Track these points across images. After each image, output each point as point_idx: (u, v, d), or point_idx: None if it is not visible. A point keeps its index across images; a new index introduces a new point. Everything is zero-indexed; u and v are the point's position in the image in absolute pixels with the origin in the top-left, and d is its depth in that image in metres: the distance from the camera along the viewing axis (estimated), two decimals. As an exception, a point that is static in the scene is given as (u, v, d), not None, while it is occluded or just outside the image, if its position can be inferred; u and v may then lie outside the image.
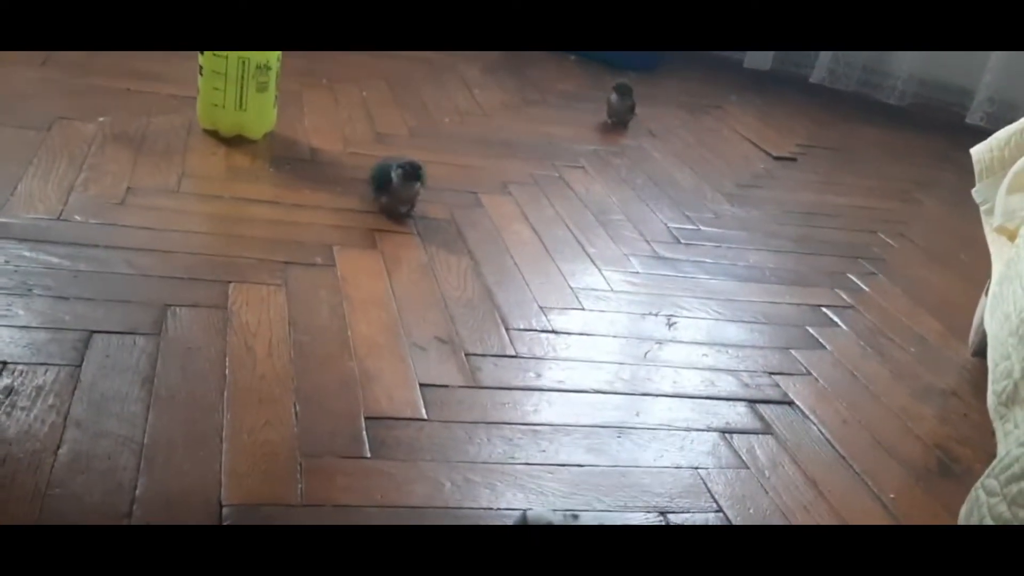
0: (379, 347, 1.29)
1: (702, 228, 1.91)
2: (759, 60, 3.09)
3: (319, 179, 1.77)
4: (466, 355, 1.31)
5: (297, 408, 1.13)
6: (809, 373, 1.45)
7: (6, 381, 1.07)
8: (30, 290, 1.24)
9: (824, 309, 1.67)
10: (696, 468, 1.18)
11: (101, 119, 1.80)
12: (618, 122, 2.38)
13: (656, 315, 1.54)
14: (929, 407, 1.42)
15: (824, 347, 1.54)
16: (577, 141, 2.26)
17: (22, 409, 1.03)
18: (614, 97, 2.35)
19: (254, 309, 1.31)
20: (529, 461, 1.13)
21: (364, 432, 1.11)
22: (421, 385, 1.22)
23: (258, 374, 1.18)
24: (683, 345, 1.47)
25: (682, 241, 1.83)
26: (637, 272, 1.67)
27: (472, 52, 2.67)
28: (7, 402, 1.03)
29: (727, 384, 1.38)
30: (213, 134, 1.84)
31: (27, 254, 1.32)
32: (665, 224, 1.89)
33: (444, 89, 2.41)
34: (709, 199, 2.07)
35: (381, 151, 1.92)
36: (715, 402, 1.33)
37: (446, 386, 1.24)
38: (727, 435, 1.26)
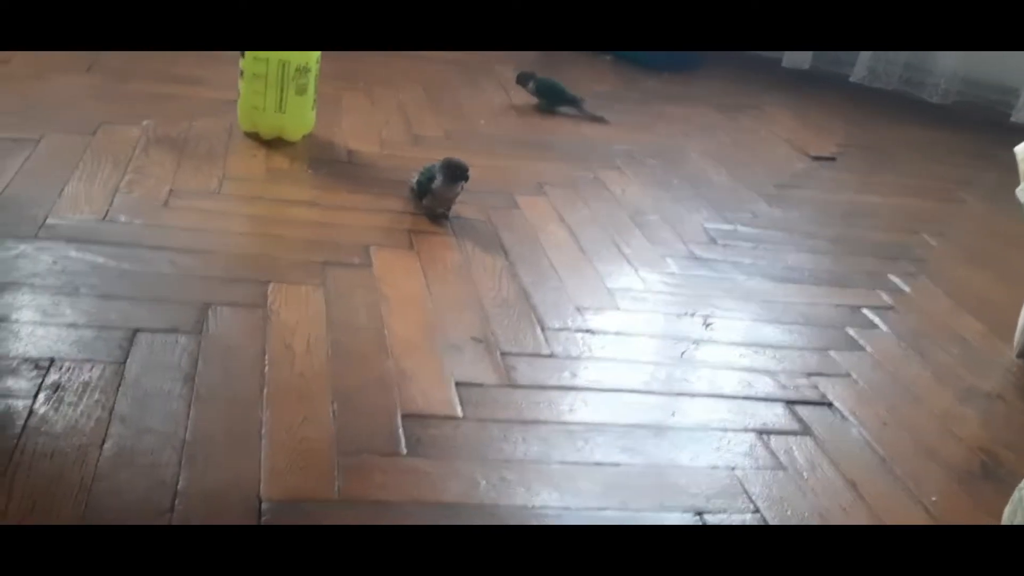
0: (415, 346, 1.30)
1: (739, 228, 1.90)
2: (797, 60, 3.05)
3: (356, 180, 1.79)
4: (501, 354, 1.32)
5: (335, 406, 1.14)
6: (848, 375, 1.43)
7: (54, 377, 1.09)
8: (77, 289, 1.27)
9: (864, 310, 1.64)
10: (733, 469, 1.18)
11: (144, 123, 1.84)
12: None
13: (692, 315, 1.53)
14: (972, 409, 1.40)
15: (864, 349, 1.51)
16: (612, 141, 2.26)
17: (69, 405, 1.06)
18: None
19: (293, 308, 1.33)
20: (564, 460, 1.13)
21: (400, 430, 1.12)
22: (457, 384, 1.23)
23: (297, 372, 1.20)
24: (720, 346, 1.46)
25: (719, 241, 1.82)
26: (673, 272, 1.66)
27: (507, 54, 2.68)
28: (55, 397, 1.06)
29: (764, 385, 1.37)
30: (253, 136, 1.87)
31: (74, 254, 1.35)
32: (701, 224, 1.88)
33: (479, 91, 2.42)
34: (746, 199, 2.05)
35: (417, 153, 1.94)
36: (752, 403, 1.32)
37: (481, 385, 1.24)
38: (764, 436, 1.25)
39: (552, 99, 2.38)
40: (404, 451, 1.09)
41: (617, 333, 1.44)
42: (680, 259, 1.72)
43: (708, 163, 2.23)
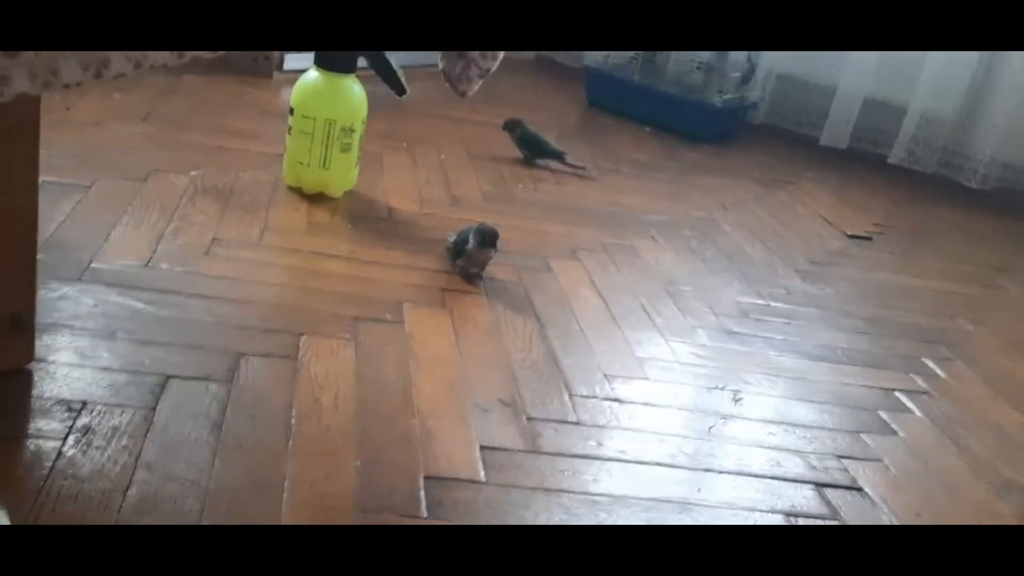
0: (442, 406, 1.30)
1: (772, 304, 1.89)
2: (835, 138, 3.07)
3: (394, 238, 1.82)
4: (528, 419, 1.31)
5: (358, 463, 1.14)
6: (880, 460, 1.40)
7: (85, 420, 1.11)
8: (114, 333, 1.30)
9: (898, 394, 1.62)
10: (758, 551, 1.15)
11: (193, 172, 1.90)
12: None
13: (722, 389, 1.52)
14: (1008, 505, 1.36)
15: (896, 433, 1.49)
16: (648, 211, 2.27)
17: (97, 448, 1.07)
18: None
19: (323, 361, 1.34)
20: (586, 531, 1.12)
21: (422, 491, 1.12)
22: (481, 447, 1.23)
23: (323, 426, 1.20)
24: (749, 422, 1.44)
25: (751, 316, 1.81)
26: (704, 344, 1.66)
27: (551, 120, 2.73)
28: (84, 440, 1.08)
29: (793, 465, 1.34)
30: (296, 191, 1.91)
31: (115, 298, 1.38)
32: (734, 298, 1.88)
33: (519, 155, 2.45)
34: (780, 275, 2.05)
35: (455, 213, 1.97)
36: (780, 483, 1.30)
37: (506, 449, 1.24)
38: (792, 518, 1.22)
39: (534, 151, 2.42)
40: (424, 513, 1.09)
41: (645, 403, 1.43)
42: (712, 331, 1.71)
43: (743, 236, 2.23)
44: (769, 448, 1.38)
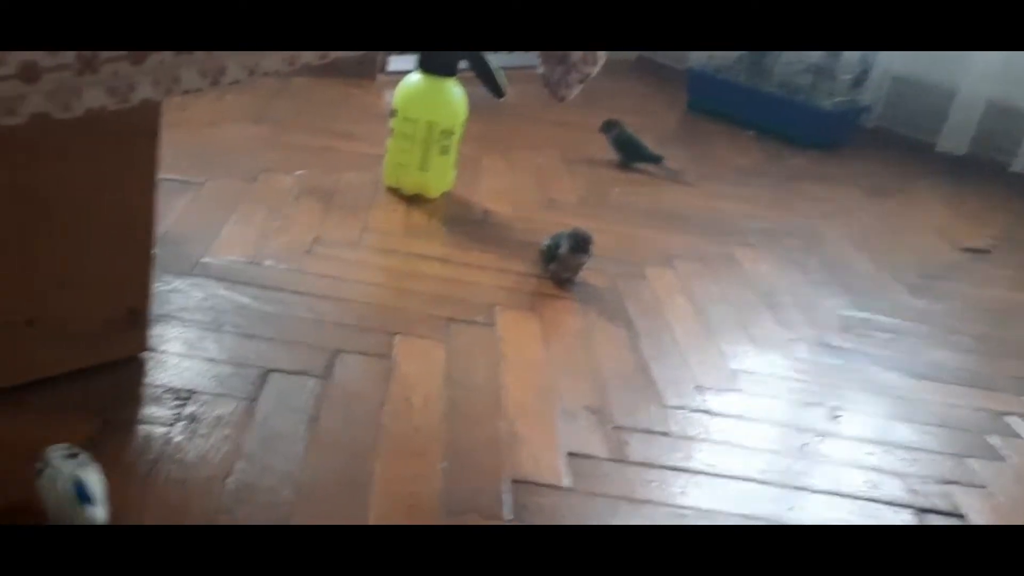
0: (530, 410, 1.31)
1: (877, 318, 1.81)
2: (953, 143, 2.92)
3: (488, 240, 1.84)
4: (615, 427, 1.31)
5: (445, 463, 1.16)
6: (985, 487, 1.33)
7: (191, 409, 1.17)
8: (221, 326, 1.36)
9: (1007, 418, 1.53)
10: (850, 576, 1.11)
11: (299, 173, 1.97)
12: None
13: (819, 406, 1.47)
14: None
15: (1005, 459, 1.41)
16: (748, 218, 2.22)
17: (201, 436, 1.12)
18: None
19: (415, 362, 1.37)
20: (670, 545, 1.10)
21: (507, 495, 1.13)
22: (568, 454, 1.23)
23: (412, 426, 1.23)
24: (846, 441, 1.39)
25: (854, 330, 1.75)
26: (802, 359, 1.61)
27: (649, 124, 2.70)
28: (190, 428, 1.13)
29: (892, 488, 1.29)
30: (395, 192, 1.96)
31: (222, 293, 1.45)
32: (836, 311, 1.81)
33: (615, 159, 2.44)
34: (887, 288, 1.97)
35: (550, 217, 1.97)
36: (877, 505, 1.25)
37: (593, 457, 1.23)
38: (888, 544, 1.18)
39: (630, 154, 2.39)
40: (509, 517, 1.09)
41: (737, 417, 1.40)
42: (810, 345, 1.66)
43: (849, 247, 2.16)
44: (867, 469, 1.33)
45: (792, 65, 2.91)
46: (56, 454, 0.92)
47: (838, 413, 1.46)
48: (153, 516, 0.99)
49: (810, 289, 1.89)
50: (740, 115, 2.95)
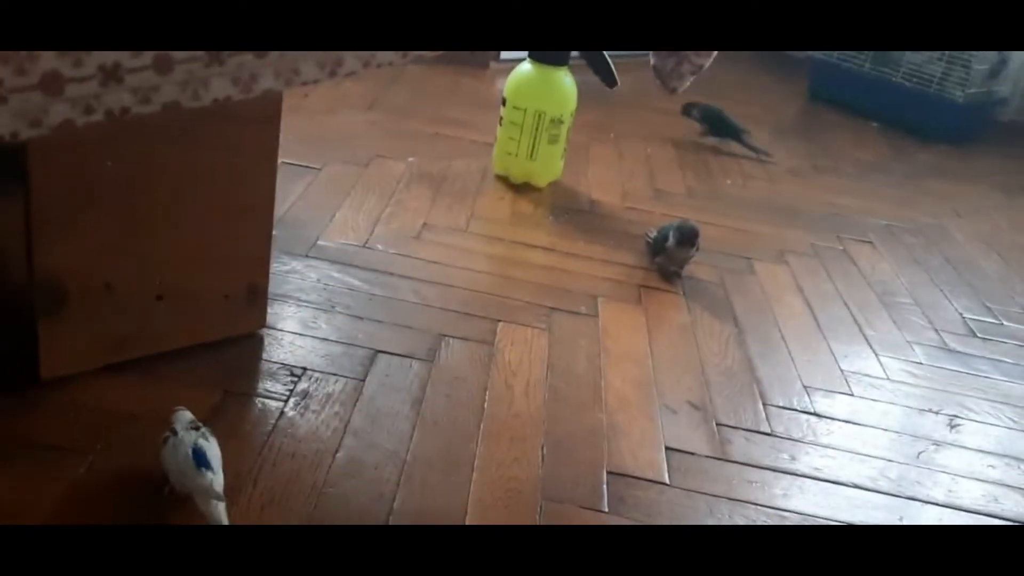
0: (630, 403, 1.30)
1: (1005, 324, 1.71)
2: (1101, 139, 2.71)
3: (594, 231, 1.83)
4: (718, 425, 1.28)
5: (544, 451, 1.17)
6: (1124, 510, 1.24)
7: (304, 385, 1.22)
8: (333, 307, 1.41)
9: None
10: (964, 593, 1.06)
11: (410, 159, 2.01)
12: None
13: (937, 413, 1.40)
14: None
15: None
16: (868, 214, 2.13)
17: (313, 412, 1.17)
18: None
19: (517, 349, 1.38)
20: (770, 548, 1.08)
21: (605, 486, 1.13)
22: (667, 448, 1.22)
23: (513, 412, 1.24)
24: (965, 451, 1.32)
25: (979, 335, 1.65)
26: (920, 363, 1.54)
27: (768, 114, 2.62)
28: (302, 404, 1.18)
29: (1014, 504, 1.22)
30: (503, 180, 1.98)
31: (335, 275, 1.50)
32: (960, 314, 1.72)
33: (730, 151, 2.38)
34: (1018, 291, 1.85)
35: (658, 208, 1.95)
36: (995, 521, 1.18)
37: (693, 453, 1.22)
38: (1008, 563, 1.11)
39: (716, 126, 2.35)
40: (606, 508, 1.10)
41: (847, 420, 1.35)
42: (930, 349, 1.58)
43: (977, 247, 2.04)
44: (986, 482, 1.26)
45: (922, 54, 2.77)
46: (181, 425, 0.99)
47: (957, 422, 1.39)
48: (266, 484, 1.04)
49: (933, 290, 1.80)
50: (864, 106, 2.83)
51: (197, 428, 0.99)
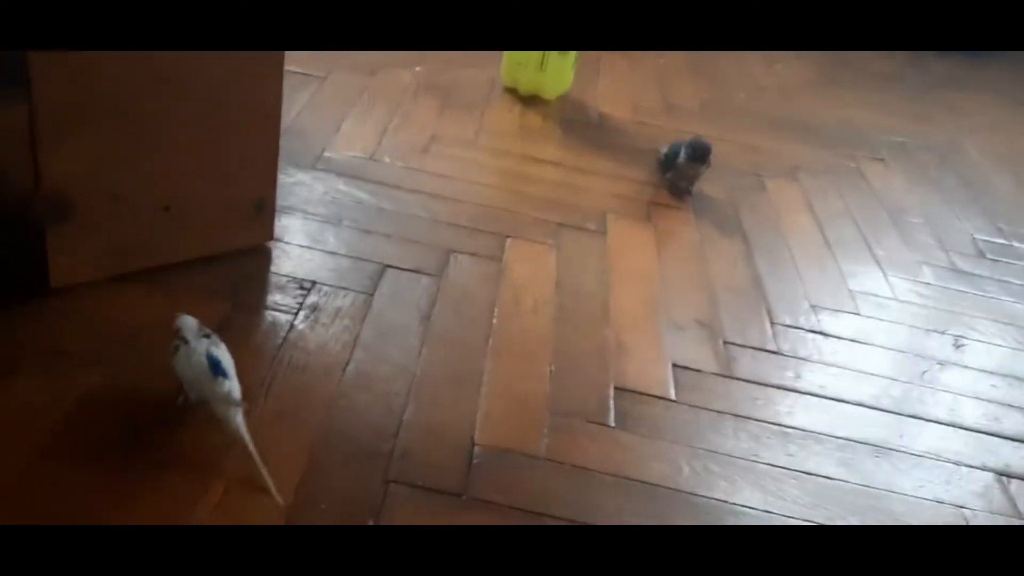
0: (637, 320, 1.31)
1: (1015, 245, 1.70)
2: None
3: (603, 145, 1.81)
4: (724, 343, 1.29)
5: (552, 367, 1.18)
6: (1122, 430, 1.26)
7: (313, 299, 1.22)
8: (341, 220, 1.40)
9: None
10: (961, 507, 1.08)
11: (417, 68, 1.96)
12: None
13: (942, 333, 1.41)
14: None
15: None
16: (883, 130, 2.09)
17: (323, 325, 1.18)
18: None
19: (525, 265, 1.38)
20: (774, 463, 1.10)
21: (611, 401, 1.14)
22: (674, 365, 1.23)
23: (522, 328, 1.25)
24: (969, 371, 1.34)
25: (988, 255, 1.65)
26: (928, 283, 1.53)
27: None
28: (312, 317, 1.19)
29: (1014, 422, 1.24)
30: (512, 92, 1.93)
31: (342, 188, 1.49)
32: (971, 234, 1.71)
33: (744, 63, 2.33)
34: (1030, 211, 1.84)
35: (669, 123, 1.91)
36: (996, 440, 1.21)
37: (699, 371, 1.23)
38: (1004, 478, 1.14)
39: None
40: (612, 423, 1.11)
41: (852, 339, 1.36)
42: (938, 269, 1.58)
43: (992, 164, 2.01)
44: (988, 401, 1.28)
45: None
46: (191, 333, 0.98)
47: (962, 342, 1.40)
48: (277, 396, 1.05)
49: (944, 209, 1.79)
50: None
51: (208, 336, 0.98)
